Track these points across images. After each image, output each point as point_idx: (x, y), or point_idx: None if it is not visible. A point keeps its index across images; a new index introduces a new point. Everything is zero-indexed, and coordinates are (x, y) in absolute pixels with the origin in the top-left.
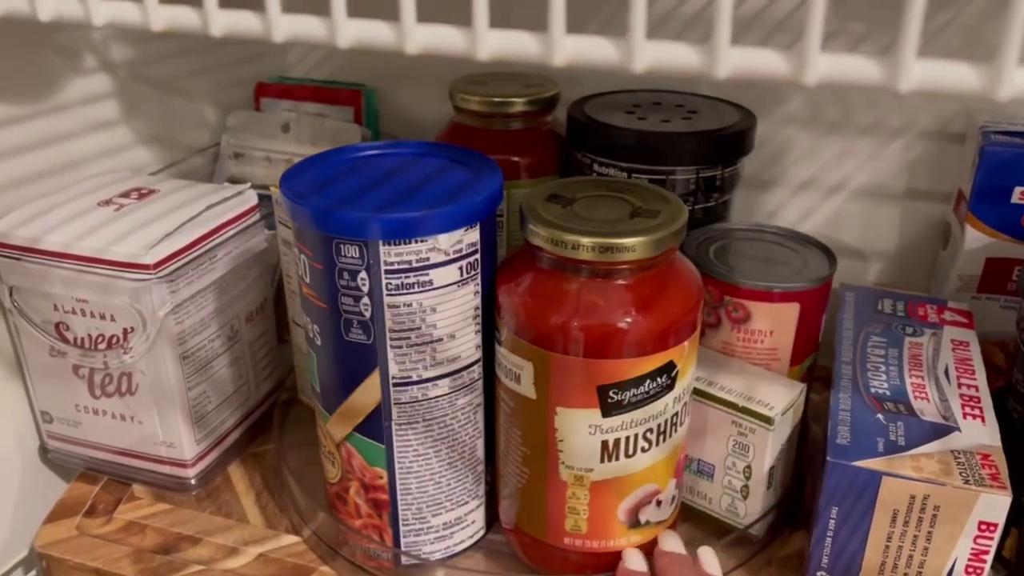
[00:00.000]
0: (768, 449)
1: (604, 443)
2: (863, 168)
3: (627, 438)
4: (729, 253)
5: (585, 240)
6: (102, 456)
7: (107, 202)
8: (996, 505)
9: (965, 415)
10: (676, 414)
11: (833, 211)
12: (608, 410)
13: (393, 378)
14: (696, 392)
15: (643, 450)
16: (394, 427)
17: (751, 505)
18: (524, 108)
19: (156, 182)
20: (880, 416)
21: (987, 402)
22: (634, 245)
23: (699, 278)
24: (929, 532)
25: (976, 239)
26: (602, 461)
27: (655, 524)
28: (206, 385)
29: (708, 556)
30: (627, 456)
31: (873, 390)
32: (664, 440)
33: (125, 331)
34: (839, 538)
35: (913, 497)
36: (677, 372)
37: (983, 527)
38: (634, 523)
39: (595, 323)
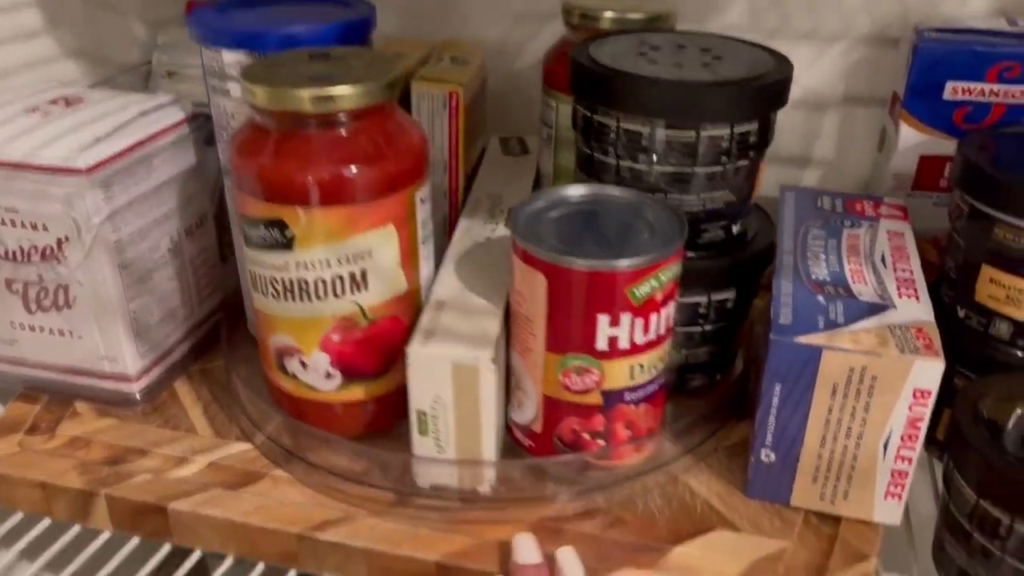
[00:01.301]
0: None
1: (251, 272)
2: (803, 75)
3: (258, 275)
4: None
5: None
6: (42, 375)
7: (33, 110)
8: (930, 371)
9: (901, 295)
10: (304, 281)
11: None
12: (247, 241)
13: None
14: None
15: (272, 296)
16: None
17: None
18: None
19: (84, 92)
20: (820, 298)
21: (921, 284)
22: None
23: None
24: (867, 403)
25: (910, 136)
26: (255, 290)
27: (306, 384)
28: (147, 298)
29: (567, 558)
30: (261, 294)
31: (813, 276)
32: (291, 299)
33: (59, 241)
34: (782, 415)
35: (852, 369)
36: (293, 236)
37: (918, 395)
38: (281, 367)
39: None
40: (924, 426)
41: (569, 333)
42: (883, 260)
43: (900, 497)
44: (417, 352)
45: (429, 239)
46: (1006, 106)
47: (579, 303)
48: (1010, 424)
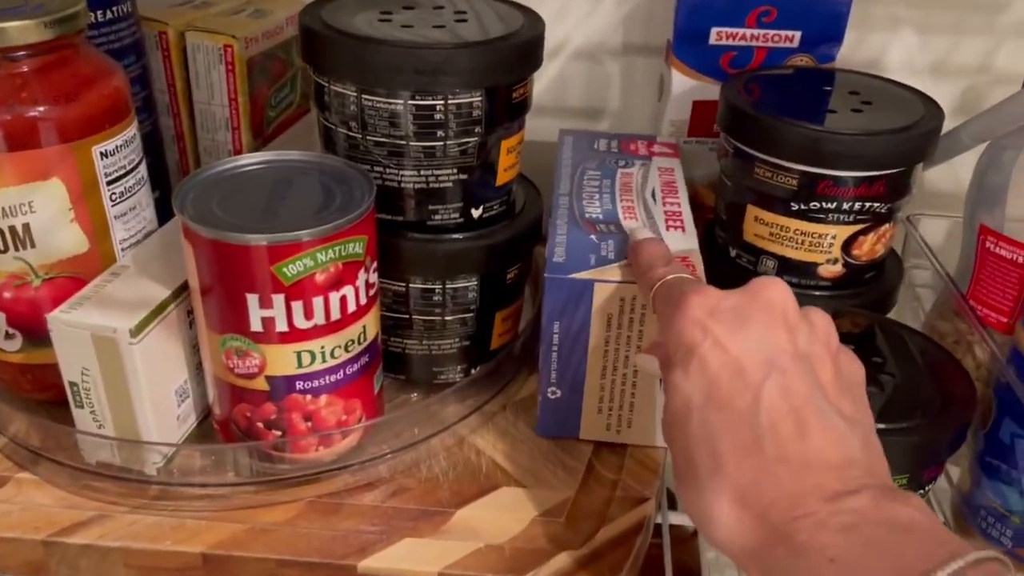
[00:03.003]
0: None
1: None
2: (581, 26)
3: None
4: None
5: None
6: None
7: None
8: None
9: (668, 227)
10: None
11: (558, 72)
12: None
13: None
14: None
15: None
16: None
17: None
18: None
19: None
20: (593, 236)
21: (688, 216)
22: None
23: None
24: (640, 331)
25: (682, 83)
26: None
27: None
28: None
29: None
30: None
31: (587, 215)
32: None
33: None
34: (563, 351)
35: (623, 299)
36: None
37: None
38: None
39: None
40: None
41: (222, 311)
42: (653, 195)
43: None
44: (56, 319)
45: (130, 196)
46: (767, 49)
47: (225, 279)
48: None
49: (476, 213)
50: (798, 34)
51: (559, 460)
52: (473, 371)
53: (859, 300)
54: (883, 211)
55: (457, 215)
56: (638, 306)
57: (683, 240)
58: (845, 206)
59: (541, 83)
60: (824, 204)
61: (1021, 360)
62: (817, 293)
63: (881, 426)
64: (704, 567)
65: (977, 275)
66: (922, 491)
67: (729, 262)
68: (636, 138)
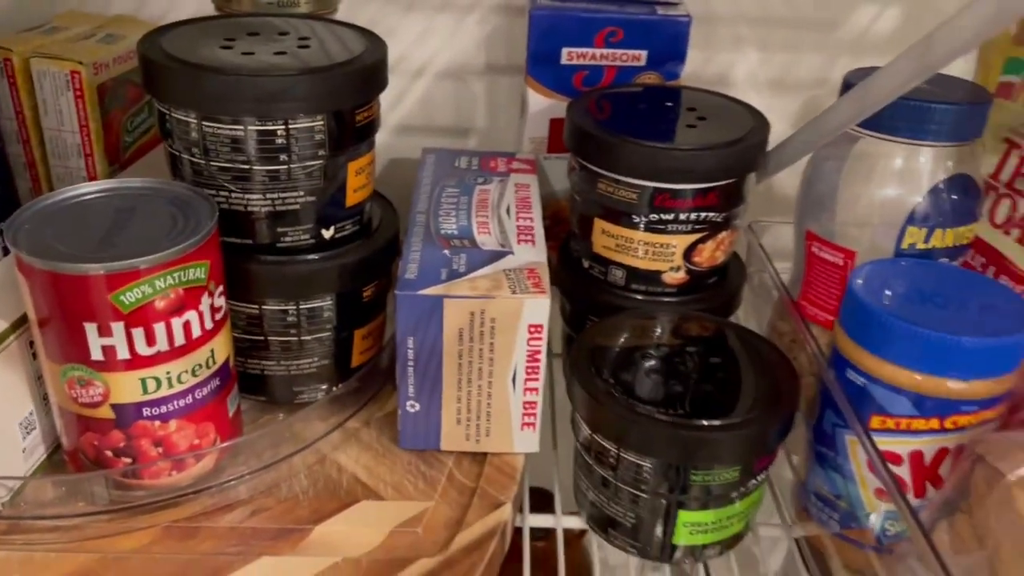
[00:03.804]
0: None
1: None
2: (445, 47)
3: None
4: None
5: None
6: None
7: None
8: (539, 308)
9: (520, 241)
10: None
11: (425, 92)
12: None
13: None
14: None
15: None
16: None
17: None
18: None
19: None
20: (446, 252)
21: (539, 229)
22: None
23: None
24: (491, 343)
25: (538, 102)
26: None
27: None
28: None
29: None
30: None
31: (443, 231)
32: None
33: None
34: (420, 365)
35: (472, 313)
36: None
37: (532, 330)
38: None
39: None
40: (543, 358)
41: (62, 341)
42: (508, 211)
43: (534, 427)
44: None
45: None
46: (616, 68)
47: (62, 309)
48: (612, 360)
49: (328, 234)
50: (644, 53)
51: (420, 472)
52: (335, 389)
53: (703, 305)
54: (719, 220)
55: (308, 236)
56: (487, 320)
57: (532, 253)
58: (683, 216)
59: (408, 103)
60: (663, 216)
61: (838, 357)
62: (664, 299)
63: (716, 422)
64: (595, 565)
65: (806, 278)
66: (754, 480)
67: (583, 272)
68: (496, 155)
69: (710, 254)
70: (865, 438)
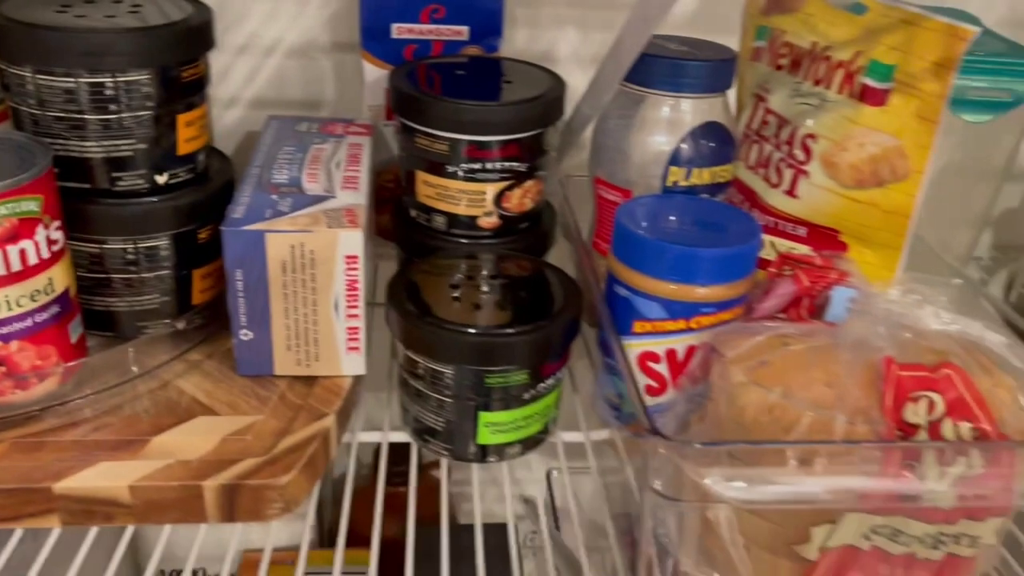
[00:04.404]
0: None
1: None
2: (292, 26)
3: None
4: None
5: None
6: None
7: None
8: (352, 240)
9: (344, 188)
10: None
11: (276, 69)
12: None
13: None
14: None
15: None
16: None
17: None
18: None
19: None
20: (274, 196)
21: (364, 180)
22: None
23: None
24: (312, 274)
25: (373, 72)
26: None
27: None
28: None
29: None
30: None
31: (274, 181)
32: None
33: None
34: (249, 297)
35: (293, 246)
36: None
37: (348, 260)
38: None
39: None
40: (361, 287)
41: None
42: (338, 165)
43: (359, 350)
44: None
45: None
46: (443, 42)
47: None
48: (424, 290)
49: (161, 179)
50: (466, 28)
51: (254, 393)
52: (179, 324)
53: (516, 246)
54: (523, 169)
55: (143, 181)
56: (306, 252)
57: (353, 197)
58: (489, 166)
59: (261, 79)
60: (472, 165)
61: (611, 276)
62: (483, 241)
63: (505, 330)
64: (445, 487)
65: (597, 218)
66: (544, 383)
67: (411, 221)
68: (337, 121)
69: (518, 201)
70: (614, 339)
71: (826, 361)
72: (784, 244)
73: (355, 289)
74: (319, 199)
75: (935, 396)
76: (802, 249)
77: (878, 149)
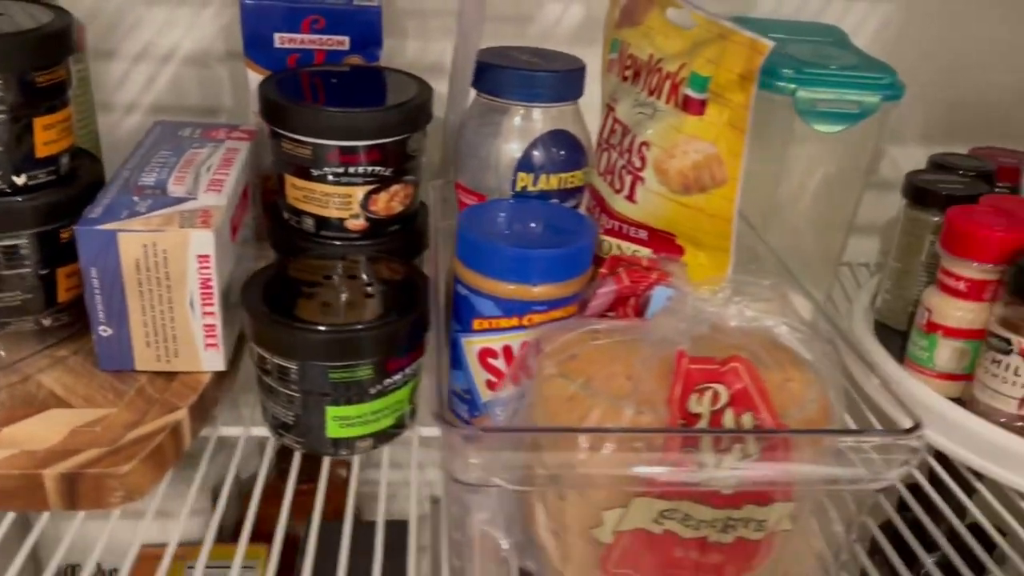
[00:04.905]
0: None
1: None
2: (188, 35)
3: None
4: None
5: None
6: None
7: None
8: (204, 240)
9: (208, 191)
10: None
11: (174, 76)
12: None
13: None
14: None
15: None
16: None
17: None
18: None
19: None
20: (135, 198)
21: (230, 184)
22: None
23: None
24: (167, 272)
25: (256, 80)
26: None
27: None
28: None
29: None
30: None
31: (140, 183)
32: None
33: None
34: (105, 293)
35: (145, 245)
36: None
37: (200, 259)
38: None
39: None
40: (215, 285)
41: None
42: (208, 168)
43: (217, 347)
44: None
45: None
46: (325, 52)
47: None
48: (278, 290)
49: (20, 180)
50: (347, 39)
51: (113, 387)
52: (44, 321)
53: (385, 248)
54: (387, 174)
55: (1, 183)
56: (159, 251)
57: (214, 199)
58: (351, 170)
59: (159, 86)
60: (335, 169)
61: (456, 278)
62: (353, 243)
63: (349, 326)
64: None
65: None
66: (391, 379)
67: (283, 223)
68: (221, 127)
69: (385, 204)
70: (443, 332)
71: (629, 355)
72: (629, 247)
73: (209, 288)
74: (179, 201)
75: (720, 388)
76: (645, 252)
77: (700, 156)
